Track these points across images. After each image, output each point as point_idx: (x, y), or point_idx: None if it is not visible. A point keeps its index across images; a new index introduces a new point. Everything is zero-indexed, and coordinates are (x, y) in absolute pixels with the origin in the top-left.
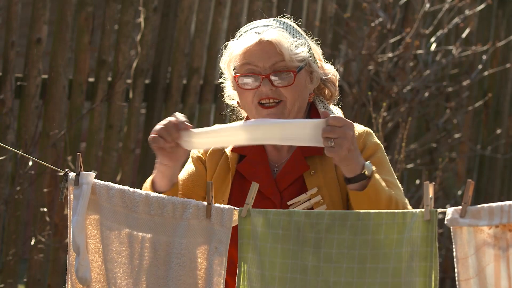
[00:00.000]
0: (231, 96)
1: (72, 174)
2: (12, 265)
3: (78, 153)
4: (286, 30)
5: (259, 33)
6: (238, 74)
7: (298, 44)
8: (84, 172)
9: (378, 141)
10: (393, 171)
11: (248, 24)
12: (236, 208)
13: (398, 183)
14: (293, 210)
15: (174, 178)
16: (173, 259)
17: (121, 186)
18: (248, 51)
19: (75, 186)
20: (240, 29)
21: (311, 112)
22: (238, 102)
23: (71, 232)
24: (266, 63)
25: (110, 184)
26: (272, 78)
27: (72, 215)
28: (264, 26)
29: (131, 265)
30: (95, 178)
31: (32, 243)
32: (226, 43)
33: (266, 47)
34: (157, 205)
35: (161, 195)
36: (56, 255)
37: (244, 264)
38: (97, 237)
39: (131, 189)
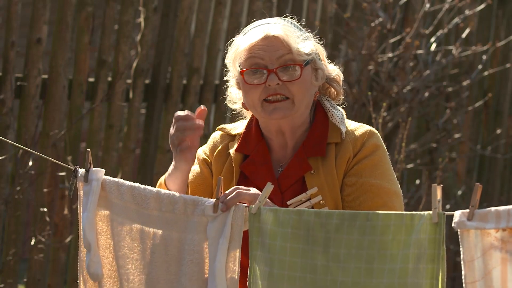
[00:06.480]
0: (233, 100)
1: (81, 171)
2: (12, 265)
3: (88, 149)
4: (291, 25)
5: (264, 29)
6: (244, 69)
7: (304, 38)
8: (94, 169)
9: (380, 143)
10: (391, 174)
11: (252, 24)
12: (247, 206)
13: (394, 185)
14: (303, 209)
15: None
16: (186, 256)
17: (131, 183)
18: (254, 46)
19: (84, 182)
20: (244, 28)
21: (317, 110)
22: (242, 104)
23: (82, 229)
24: (272, 57)
25: (120, 180)
26: (279, 72)
27: (82, 211)
28: (269, 23)
29: (143, 261)
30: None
31: (32, 243)
32: (232, 39)
33: (272, 42)
34: (168, 202)
35: (172, 192)
36: (56, 255)
37: (254, 262)
38: (108, 233)
39: (142, 186)
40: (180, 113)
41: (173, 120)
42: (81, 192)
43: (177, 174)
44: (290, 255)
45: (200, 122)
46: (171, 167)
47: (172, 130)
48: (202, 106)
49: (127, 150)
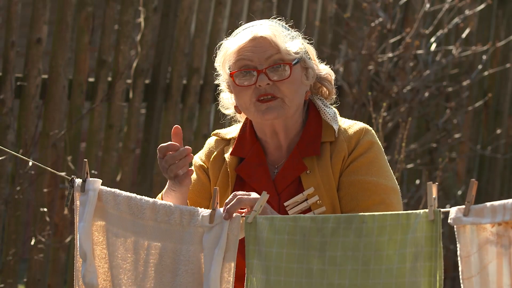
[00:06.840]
0: (225, 105)
1: (78, 181)
2: (12, 265)
3: (84, 160)
4: (278, 25)
5: (252, 30)
6: (234, 72)
7: (292, 37)
8: (90, 179)
9: (375, 140)
10: (388, 171)
11: (240, 27)
12: (243, 215)
13: (390, 181)
14: (299, 215)
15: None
16: (180, 266)
17: (127, 193)
18: (242, 48)
19: (81, 192)
20: (234, 31)
21: (310, 110)
22: (235, 107)
23: (78, 238)
24: (261, 57)
25: (117, 191)
26: (268, 72)
27: (78, 221)
28: (255, 25)
29: (136, 271)
30: (95, 178)
31: (32, 243)
32: (220, 42)
33: (260, 42)
34: (164, 212)
35: (168, 202)
36: (56, 255)
37: (250, 270)
38: (103, 244)
39: (138, 196)
40: (163, 145)
41: (158, 153)
42: (78, 202)
43: (177, 195)
44: (286, 261)
45: (186, 148)
46: (168, 188)
47: (162, 162)
48: (175, 127)
49: (127, 150)
